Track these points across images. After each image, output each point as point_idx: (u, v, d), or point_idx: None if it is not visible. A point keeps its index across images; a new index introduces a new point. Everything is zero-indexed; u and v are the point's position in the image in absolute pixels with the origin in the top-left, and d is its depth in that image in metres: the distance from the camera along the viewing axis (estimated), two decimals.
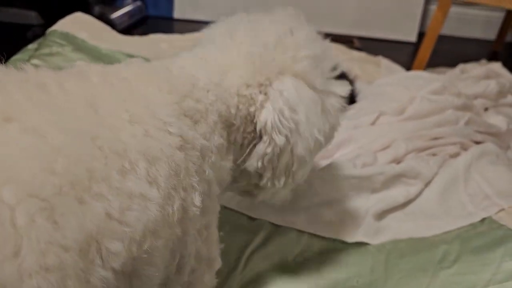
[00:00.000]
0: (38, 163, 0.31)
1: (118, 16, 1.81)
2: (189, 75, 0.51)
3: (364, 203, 0.84)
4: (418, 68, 1.50)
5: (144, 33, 1.58)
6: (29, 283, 0.27)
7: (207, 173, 0.46)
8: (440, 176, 0.92)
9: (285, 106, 0.53)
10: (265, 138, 0.54)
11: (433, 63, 1.57)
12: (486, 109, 1.24)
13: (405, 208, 0.86)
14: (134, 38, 1.45)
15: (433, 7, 2.01)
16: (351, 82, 1.12)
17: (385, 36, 2.04)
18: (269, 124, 0.53)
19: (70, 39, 1.23)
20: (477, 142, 1.03)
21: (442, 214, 0.85)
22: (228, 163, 0.52)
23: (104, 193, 0.33)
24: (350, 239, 0.78)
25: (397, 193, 0.86)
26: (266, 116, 0.53)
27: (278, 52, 0.55)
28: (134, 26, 1.89)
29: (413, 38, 2.03)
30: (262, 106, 0.54)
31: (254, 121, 0.54)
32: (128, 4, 1.92)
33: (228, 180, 0.55)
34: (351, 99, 1.13)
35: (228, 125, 0.53)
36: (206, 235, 0.49)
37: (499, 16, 2.01)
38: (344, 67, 0.68)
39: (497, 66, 1.44)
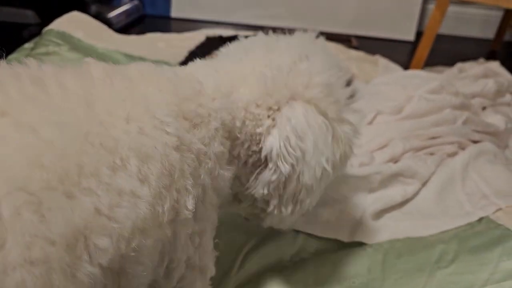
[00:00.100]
0: (27, 157, 0.30)
1: (115, 15, 1.81)
2: (196, 80, 0.50)
3: (361, 203, 0.84)
4: (416, 67, 1.49)
5: (142, 32, 1.58)
6: (13, 276, 0.27)
7: (202, 177, 0.46)
8: (438, 175, 0.92)
9: (292, 134, 0.51)
10: (270, 165, 0.53)
11: (431, 62, 1.56)
12: (484, 108, 1.23)
13: (402, 208, 0.86)
14: (131, 37, 1.45)
15: (431, 6, 2.01)
16: (349, 81, 1.11)
17: (383, 35, 2.04)
18: (274, 152, 0.52)
19: (66, 38, 1.22)
20: (475, 141, 1.03)
21: (439, 213, 0.85)
22: (227, 173, 0.51)
23: (94, 189, 0.33)
24: (347, 239, 0.78)
25: (395, 193, 0.86)
26: (272, 144, 0.52)
27: (291, 77, 0.53)
28: (131, 25, 1.88)
29: (411, 37, 2.03)
30: (268, 132, 0.53)
31: (260, 145, 0.54)
32: (125, 3, 1.91)
33: (227, 192, 0.54)
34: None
35: (232, 138, 0.52)
36: (199, 242, 0.48)
37: (497, 15, 2.01)
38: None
39: (495, 65, 1.44)
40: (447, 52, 1.87)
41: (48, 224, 0.29)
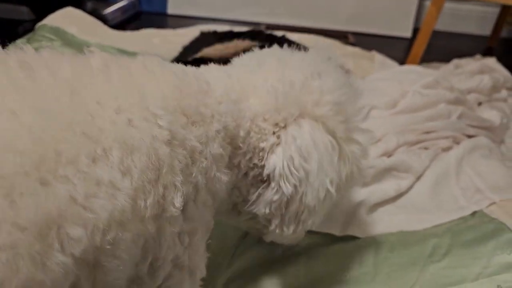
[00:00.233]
0: (2, 141, 0.30)
1: (111, 12, 1.80)
2: (204, 80, 0.49)
3: (355, 197, 0.84)
4: (412, 63, 1.49)
5: (138, 29, 1.57)
6: None
7: (194, 175, 0.44)
8: (432, 169, 0.91)
9: (296, 154, 0.50)
10: (272, 184, 0.52)
11: (428, 59, 1.56)
12: (480, 104, 1.23)
13: (396, 202, 0.85)
14: (126, 33, 1.44)
15: (428, 3, 2.01)
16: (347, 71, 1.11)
17: (380, 31, 2.03)
18: (277, 171, 0.51)
19: (60, 34, 1.22)
20: (470, 136, 1.03)
21: (433, 207, 0.84)
22: (224, 177, 0.49)
23: (70, 177, 0.32)
24: (340, 232, 0.77)
25: (388, 187, 0.86)
26: (275, 163, 0.51)
27: (302, 93, 0.53)
28: (127, 22, 1.88)
29: (408, 33, 2.03)
30: (272, 151, 0.52)
31: (262, 161, 0.53)
32: (121, 0, 1.91)
33: (223, 197, 0.53)
34: None
35: (234, 146, 0.51)
36: (189, 242, 0.46)
37: (494, 11, 2.01)
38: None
39: (491, 61, 1.43)
40: (444, 48, 1.87)
41: (18, 209, 0.28)
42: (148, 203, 0.38)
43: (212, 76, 0.52)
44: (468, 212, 0.83)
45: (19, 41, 1.20)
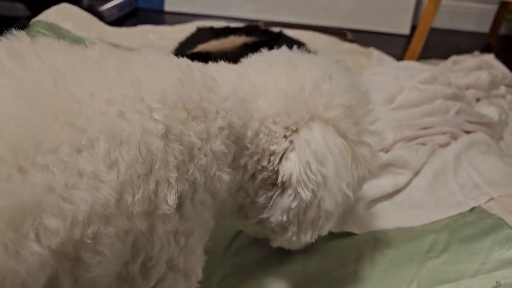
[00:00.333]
0: None
1: (108, 9, 1.79)
2: (210, 77, 0.48)
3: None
4: (410, 59, 1.48)
5: (134, 26, 1.56)
6: None
7: (191, 172, 0.43)
8: (430, 165, 0.90)
9: (312, 159, 0.49)
10: (290, 191, 0.51)
11: (426, 56, 1.55)
12: (478, 100, 1.22)
13: (393, 198, 0.84)
14: (121, 29, 1.43)
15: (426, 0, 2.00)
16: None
17: (378, 28, 2.03)
18: (294, 177, 0.50)
19: (54, 30, 1.21)
20: (468, 132, 1.02)
21: (431, 203, 0.84)
22: (226, 176, 0.47)
23: (50, 165, 0.31)
24: (336, 229, 0.76)
25: (385, 183, 0.85)
26: (291, 169, 0.50)
27: (313, 97, 0.52)
28: (124, 19, 1.87)
29: (406, 30, 2.02)
30: (286, 157, 0.51)
31: (273, 164, 0.52)
32: None
33: (225, 197, 0.51)
34: None
35: (241, 146, 0.50)
36: (185, 243, 0.45)
37: (492, 8, 2.00)
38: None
39: (489, 58, 1.43)
40: (442, 45, 1.86)
41: None
42: (136, 198, 0.36)
43: (220, 73, 0.50)
44: (466, 208, 0.82)
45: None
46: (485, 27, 2.05)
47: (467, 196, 0.85)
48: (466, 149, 0.94)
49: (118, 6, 1.86)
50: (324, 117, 0.52)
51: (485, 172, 0.89)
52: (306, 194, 0.50)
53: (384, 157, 0.88)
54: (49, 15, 1.26)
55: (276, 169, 0.52)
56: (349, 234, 0.76)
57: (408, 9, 2.01)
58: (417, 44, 1.47)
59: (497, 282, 0.66)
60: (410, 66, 1.23)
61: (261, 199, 0.54)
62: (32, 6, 1.71)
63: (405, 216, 0.80)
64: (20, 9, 1.70)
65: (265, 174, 0.53)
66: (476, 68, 1.33)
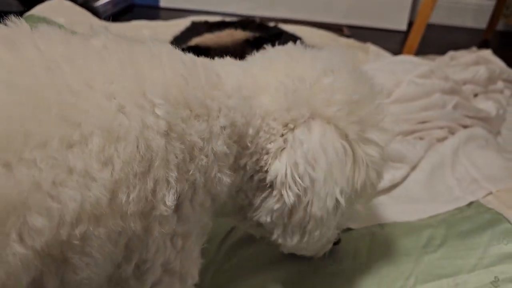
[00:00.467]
0: None
1: (103, 4, 1.77)
2: (215, 73, 0.46)
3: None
4: (408, 54, 1.47)
5: (129, 21, 1.55)
6: None
7: (191, 173, 0.41)
8: (427, 160, 0.89)
9: (301, 160, 0.47)
10: (274, 192, 0.49)
11: (424, 52, 1.54)
12: (475, 95, 1.21)
13: (390, 192, 0.83)
14: (115, 24, 1.41)
15: None
16: None
17: (375, 24, 2.02)
18: (279, 179, 0.48)
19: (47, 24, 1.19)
20: (466, 126, 1.01)
21: (428, 198, 0.83)
22: (227, 178, 0.45)
23: (37, 161, 0.29)
24: None
25: None
26: (277, 170, 0.48)
27: (314, 92, 0.49)
28: (119, 15, 1.85)
29: (403, 27, 2.01)
30: (276, 155, 0.48)
31: (267, 166, 0.49)
32: None
33: (225, 199, 0.49)
34: None
35: (242, 146, 0.48)
36: (182, 246, 0.43)
37: (489, 4, 1.99)
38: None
39: (487, 53, 1.42)
40: (440, 41, 1.85)
41: None
42: (131, 198, 0.35)
43: (226, 70, 0.48)
44: (463, 202, 0.81)
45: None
46: (482, 23, 2.04)
47: (464, 191, 0.84)
48: (463, 143, 0.93)
49: (113, 2, 1.84)
50: (325, 115, 0.49)
51: (483, 167, 0.88)
52: (289, 198, 0.47)
53: None
54: (41, 10, 1.24)
55: (266, 169, 0.49)
56: (346, 229, 0.75)
57: (405, 5, 2.01)
58: (414, 40, 1.46)
59: (495, 277, 0.65)
60: (407, 60, 1.22)
61: (257, 201, 0.51)
62: (25, 1, 1.69)
63: (403, 210, 0.79)
64: (13, 5, 1.69)
65: (260, 175, 0.50)
66: (473, 63, 1.32)
